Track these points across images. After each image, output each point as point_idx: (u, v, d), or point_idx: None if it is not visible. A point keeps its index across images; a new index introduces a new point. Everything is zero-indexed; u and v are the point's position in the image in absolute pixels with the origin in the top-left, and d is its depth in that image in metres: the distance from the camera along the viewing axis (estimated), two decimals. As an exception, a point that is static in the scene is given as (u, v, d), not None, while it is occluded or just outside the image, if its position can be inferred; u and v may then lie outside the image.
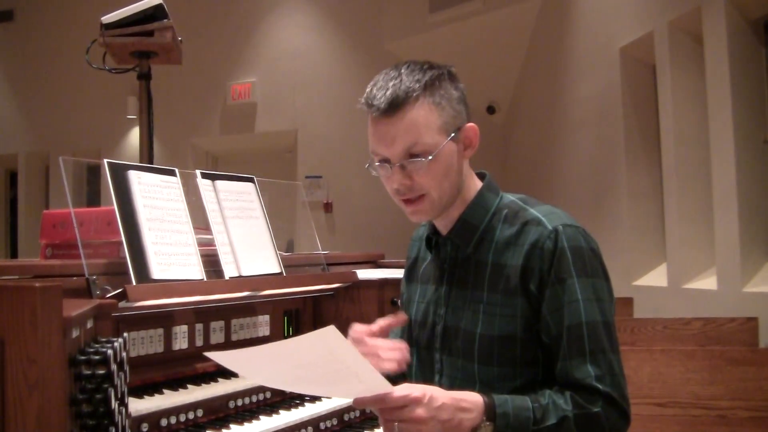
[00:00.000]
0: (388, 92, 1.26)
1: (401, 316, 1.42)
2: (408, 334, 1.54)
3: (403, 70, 1.29)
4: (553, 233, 1.27)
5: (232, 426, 1.67)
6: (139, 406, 1.55)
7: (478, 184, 1.39)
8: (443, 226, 1.40)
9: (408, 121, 1.26)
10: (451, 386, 1.33)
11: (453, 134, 1.30)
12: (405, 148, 1.27)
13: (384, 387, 1.15)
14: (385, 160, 1.30)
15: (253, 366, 1.26)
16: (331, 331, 1.05)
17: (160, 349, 1.80)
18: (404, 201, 1.32)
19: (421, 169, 1.27)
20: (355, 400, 1.18)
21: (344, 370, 1.13)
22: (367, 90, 1.30)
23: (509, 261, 1.30)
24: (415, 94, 1.26)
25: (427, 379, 1.39)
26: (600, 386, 1.20)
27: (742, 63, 3.44)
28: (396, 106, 1.26)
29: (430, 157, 1.27)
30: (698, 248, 3.79)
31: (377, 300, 2.24)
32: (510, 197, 1.39)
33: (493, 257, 1.32)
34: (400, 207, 1.35)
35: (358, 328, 1.38)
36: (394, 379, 1.31)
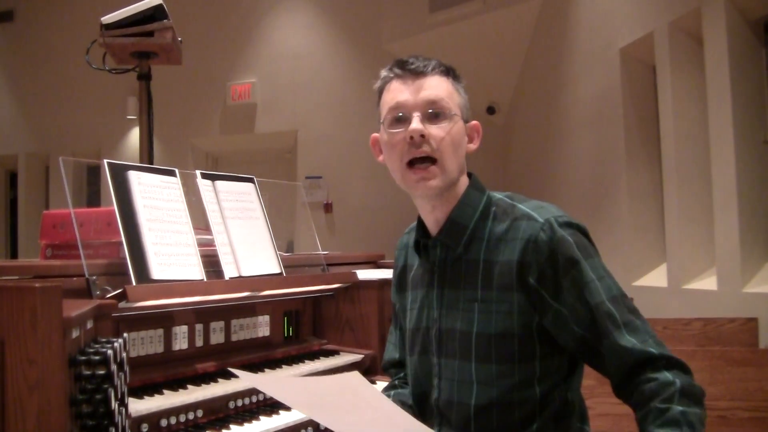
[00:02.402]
0: (422, 59, 1.35)
1: None
2: (401, 342, 1.54)
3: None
4: (546, 225, 1.27)
5: (232, 426, 1.67)
6: (139, 406, 1.55)
7: (467, 182, 1.40)
8: (433, 223, 1.38)
9: (437, 81, 1.34)
10: (450, 389, 1.33)
11: (465, 121, 1.36)
12: (430, 100, 1.31)
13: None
14: (402, 119, 1.32)
15: (287, 392, 1.23)
16: (355, 376, 1.03)
17: (160, 349, 1.80)
18: (413, 169, 1.31)
19: (441, 124, 1.31)
20: None
21: (381, 417, 1.10)
22: (393, 61, 1.37)
23: (502, 257, 1.30)
24: (442, 70, 1.35)
25: (426, 384, 1.39)
26: (654, 350, 1.19)
27: (742, 63, 3.44)
28: (429, 68, 1.34)
29: (448, 120, 1.31)
30: (698, 248, 3.80)
31: (377, 300, 2.24)
32: (497, 195, 1.39)
33: (484, 255, 1.32)
34: (405, 180, 1.33)
35: None
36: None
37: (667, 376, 1.17)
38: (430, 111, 1.31)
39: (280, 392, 1.26)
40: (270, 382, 1.19)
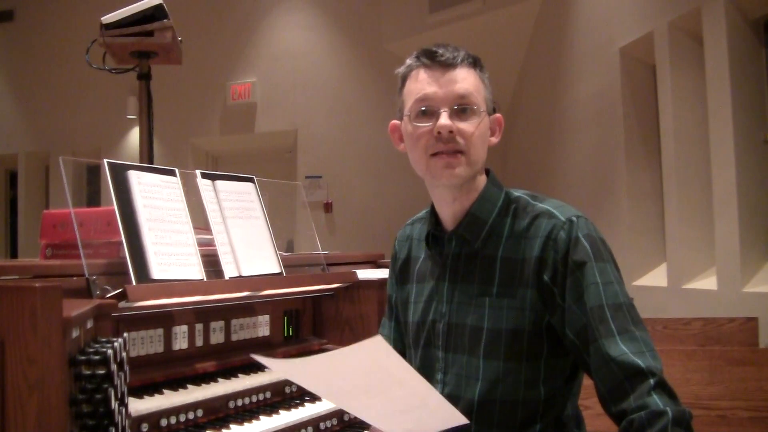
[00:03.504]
0: (451, 49, 1.33)
1: None
2: (396, 334, 1.53)
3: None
4: (567, 224, 1.27)
5: (232, 426, 1.67)
6: (139, 406, 1.55)
7: (485, 178, 1.40)
8: (450, 216, 1.38)
9: (465, 73, 1.32)
10: (455, 383, 1.33)
11: (489, 114, 1.36)
12: (459, 94, 1.30)
13: (457, 417, 1.10)
14: (429, 113, 1.30)
15: (311, 377, 1.19)
16: (376, 342, 0.98)
17: (160, 349, 1.80)
18: (438, 156, 1.30)
19: (470, 120, 1.30)
20: None
21: (409, 396, 1.06)
22: (420, 50, 1.35)
23: (521, 254, 1.29)
24: (470, 61, 1.34)
25: (429, 379, 1.39)
26: (642, 363, 1.14)
27: (742, 63, 3.44)
28: (459, 60, 1.32)
29: (476, 116, 1.30)
30: (698, 248, 3.79)
31: (377, 300, 2.24)
32: (517, 192, 1.39)
33: (502, 252, 1.32)
34: (430, 169, 1.31)
35: None
36: None
37: (657, 403, 1.11)
38: (458, 106, 1.30)
39: (305, 379, 1.22)
40: (293, 367, 1.16)
